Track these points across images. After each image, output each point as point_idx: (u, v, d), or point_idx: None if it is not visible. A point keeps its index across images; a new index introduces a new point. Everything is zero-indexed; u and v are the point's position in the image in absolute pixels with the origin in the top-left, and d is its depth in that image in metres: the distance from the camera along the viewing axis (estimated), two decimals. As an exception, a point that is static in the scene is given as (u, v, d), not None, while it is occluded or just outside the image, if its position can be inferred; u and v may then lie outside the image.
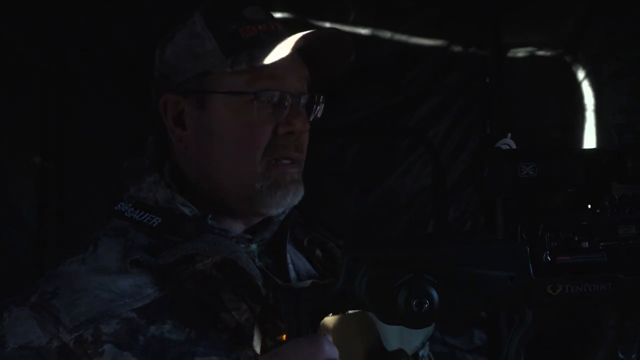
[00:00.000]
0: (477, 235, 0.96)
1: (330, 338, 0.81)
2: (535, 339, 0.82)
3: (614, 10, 2.27)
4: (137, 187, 1.02)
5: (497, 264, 0.80)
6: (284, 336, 0.84)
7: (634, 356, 0.83)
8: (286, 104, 1.00)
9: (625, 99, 2.26)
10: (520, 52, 2.43)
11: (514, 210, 0.86)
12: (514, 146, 0.86)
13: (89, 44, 2.17)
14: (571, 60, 2.37)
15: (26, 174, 2.18)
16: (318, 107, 1.06)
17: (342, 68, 1.08)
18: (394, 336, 1.01)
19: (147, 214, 0.99)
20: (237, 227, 1.05)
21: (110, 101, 2.17)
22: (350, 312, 0.95)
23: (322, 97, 1.06)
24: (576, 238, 0.84)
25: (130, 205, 1.01)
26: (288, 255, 1.07)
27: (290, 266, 1.06)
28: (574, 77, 2.38)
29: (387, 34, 2.35)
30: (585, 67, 2.35)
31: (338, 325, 0.95)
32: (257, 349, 0.90)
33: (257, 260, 1.01)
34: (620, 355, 0.83)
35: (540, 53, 2.42)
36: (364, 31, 2.34)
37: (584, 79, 2.36)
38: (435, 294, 0.78)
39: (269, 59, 0.96)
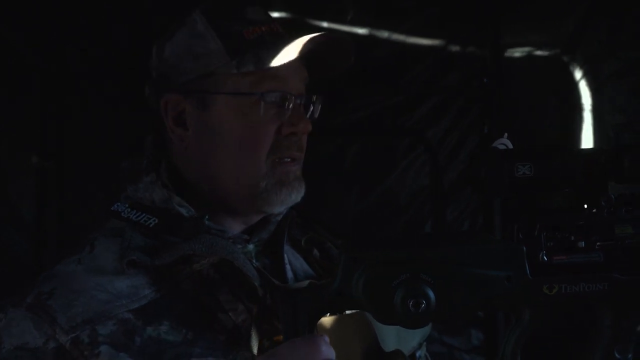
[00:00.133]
0: (474, 235, 0.95)
1: (327, 338, 0.81)
2: (532, 338, 0.82)
3: (613, 10, 2.26)
4: (134, 188, 1.02)
5: (494, 263, 0.80)
6: (281, 336, 0.84)
7: (630, 356, 0.83)
8: (289, 105, 1.01)
9: (624, 99, 2.26)
10: (520, 52, 2.42)
11: (512, 210, 0.85)
12: (511, 146, 0.86)
13: (89, 44, 2.17)
14: (570, 60, 2.37)
15: (26, 174, 2.18)
16: (316, 108, 1.07)
17: (341, 70, 1.08)
18: (391, 336, 1.01)
19: (144, 215, 0.99)
20: (236, 227, 1.05)
21: (110, 101, 2.17)
22: (347, 312, 0.95)
23: (319, 98, 1.07)
24: (573, 238, 0.84)
25: (127, 205, 1.01)
26: (285, 255, 1.07)
27: (288, 266, 1.06)
28: (573, 77, 2.37)
29: (387, 34, 2.35)
30: (584, 67, 2.35)
31: (335, 325, 0.95)
32: (254, 350, 0.90)
33: (254, 261, 1.01)
34: (617, 355, 0.82)
35: (540, 53, 2.41)
36: (363, 31, 2.33)
37: (582, 78, 2.36)
38: (431, 294, 0.78)
39: (277, 62, 0.96)
